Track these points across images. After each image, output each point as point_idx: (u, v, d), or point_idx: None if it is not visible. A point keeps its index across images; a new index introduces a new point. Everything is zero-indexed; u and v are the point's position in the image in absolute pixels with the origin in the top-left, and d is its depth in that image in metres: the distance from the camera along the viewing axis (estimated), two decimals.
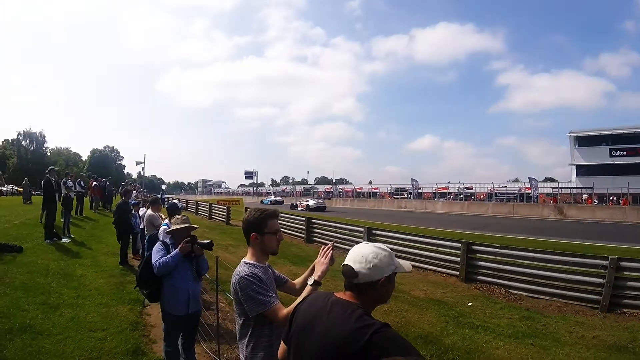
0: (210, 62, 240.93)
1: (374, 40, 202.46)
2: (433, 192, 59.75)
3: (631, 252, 13.15)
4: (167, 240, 4.42)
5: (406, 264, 1.82)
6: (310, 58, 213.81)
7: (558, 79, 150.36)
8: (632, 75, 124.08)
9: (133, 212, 10.81)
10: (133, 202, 11.73)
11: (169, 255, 4.14)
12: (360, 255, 1.70)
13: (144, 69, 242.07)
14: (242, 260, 2.55)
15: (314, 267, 2.55)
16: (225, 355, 5.01)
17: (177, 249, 4.16)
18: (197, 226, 4.60)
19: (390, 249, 1.78)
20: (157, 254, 4.18)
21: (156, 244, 4.37)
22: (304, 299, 1.97)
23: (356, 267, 1.68)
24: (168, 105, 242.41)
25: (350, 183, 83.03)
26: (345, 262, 1.73)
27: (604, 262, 7.79)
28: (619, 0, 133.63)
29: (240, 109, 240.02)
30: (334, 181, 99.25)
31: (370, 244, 1.78)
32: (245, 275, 2.39)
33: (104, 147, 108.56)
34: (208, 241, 4.22)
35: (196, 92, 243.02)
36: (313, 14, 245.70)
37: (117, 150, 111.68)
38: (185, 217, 4.54)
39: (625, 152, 54.70)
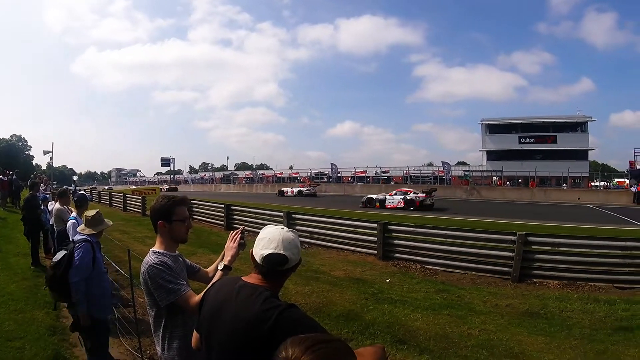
0: (130, 43, 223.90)
1: (300, 28, 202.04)
2: (352, 176, 61.19)
3: (539, 228, 14.20)
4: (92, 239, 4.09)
5: None
6: (235, 42, 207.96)
7: (473, 73, 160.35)
8: (543, 72, 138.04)
9: (42, 207, 9.92)
10: (42, 196, 10.77)
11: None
12: (287, 242, 1.70)
13: (58, 49, 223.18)
14: (151, 249, 2.48)
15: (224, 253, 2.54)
16: (148, 351, 4.83)
17: None
18: (111, 222, 4.45)
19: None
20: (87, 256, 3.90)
21: (84, 244, 3.96)
22: (212, 284, 1.95)
23: (288, 254, 1.68)
24: (81, 89, 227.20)
25: (271, 168, 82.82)
26: (275, 251, 1.68)
27: (512, 237, 8.38)
28: (533, 3, 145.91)
29: (159, 92, 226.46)
30: (254, 167, 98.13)
31: (284, 228, 1.78)
32: (154, 263, 2.35)
33: (11, 137, 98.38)
34: None
35: (113, 75, 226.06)
36: None
37: (24, 140, 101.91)
38: (100, 215, 4.27)
39: (533, 140, 59.80)
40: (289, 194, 42.11)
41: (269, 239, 1.70)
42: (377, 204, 27.42)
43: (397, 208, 26.11)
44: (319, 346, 1.04)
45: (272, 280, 1.70)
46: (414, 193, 27.16)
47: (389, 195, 27.74)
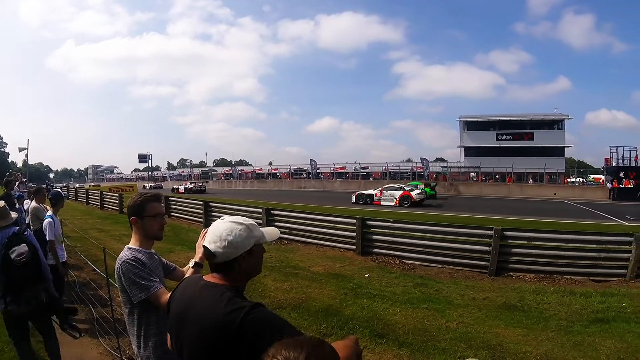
0: (109, 37, 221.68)
1: (281, 23, 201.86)
2: (331, 172, 61.22)
3: (516, 223, 14.40)
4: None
5: (272, 232, 1.82)
6: (214, 36, 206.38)
7: (452, 71, 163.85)
8: (521, 71, 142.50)
9: (18, 205, 9.65)
10: (17, 194, 10.46)
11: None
12: (214, 234, 1.65)
13: (36, 43, 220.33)
14: (126, 246, 2.49)
15: None
16: (127, 351, 4.71)
17: None
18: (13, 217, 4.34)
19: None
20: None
21: (28, 230, 4.09)
22: (178, 284, 1.91)
23: (212, 247, 1.64)
24: (58, 84, 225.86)
25: (250, 164, 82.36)
26: (204, 244, 1.70)
27: (489, 232, 8.55)
28: (512, 3, 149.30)
29: (136, 87, 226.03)
30: (233, 163, 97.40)
31: (227, 219, 1.72)
32: (128, 259, 2.35)
33: None
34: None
35: (91, 69, 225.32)
36: None
37: None
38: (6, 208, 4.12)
39: (511, 137, 60.47)
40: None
41: (208, 232, 1.70)
42: (176, 191, 44.50)
43: (182, 193, 41.28)
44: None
45: (228, 276, 1.66)
46: (190, 184, 48.08)
47: (180, 186, 48.19)
